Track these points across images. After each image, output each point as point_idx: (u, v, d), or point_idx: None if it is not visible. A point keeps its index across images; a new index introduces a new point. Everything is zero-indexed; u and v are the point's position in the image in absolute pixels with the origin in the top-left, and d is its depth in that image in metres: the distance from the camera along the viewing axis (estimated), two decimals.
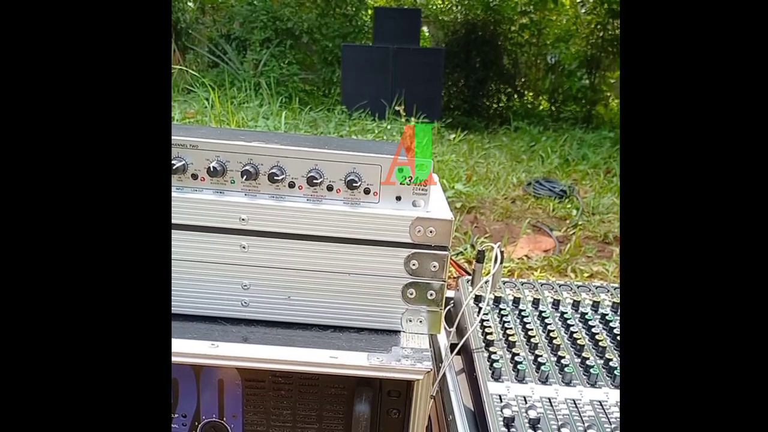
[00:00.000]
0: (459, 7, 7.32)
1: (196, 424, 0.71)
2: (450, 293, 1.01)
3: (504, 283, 1.01)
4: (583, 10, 7.21)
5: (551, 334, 0.85)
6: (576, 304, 0.95)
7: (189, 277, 0.71)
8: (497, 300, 0.95)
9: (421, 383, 0.65)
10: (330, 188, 0.71)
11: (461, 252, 2.02)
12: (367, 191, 0.71)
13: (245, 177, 0.69)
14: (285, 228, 0.70)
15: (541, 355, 0.79)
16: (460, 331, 0.88)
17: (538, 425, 0.67)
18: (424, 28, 7.30)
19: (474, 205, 2.65)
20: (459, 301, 0.97)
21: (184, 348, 0.64)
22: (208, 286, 0.71)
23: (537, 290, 1.00)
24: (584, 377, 0.76)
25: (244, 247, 0.70)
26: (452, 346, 0.86)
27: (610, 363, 0.78)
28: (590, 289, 1.01)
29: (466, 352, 0.85)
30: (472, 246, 2.08)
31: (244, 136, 0.76)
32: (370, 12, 6.98)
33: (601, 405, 0.71)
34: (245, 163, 0.70)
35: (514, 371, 0.77)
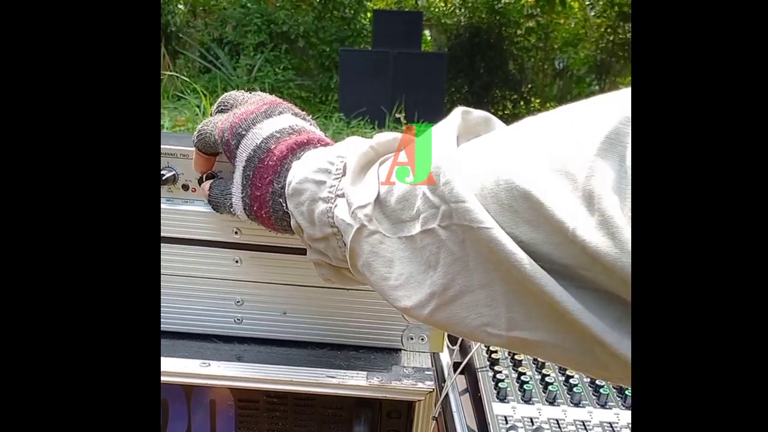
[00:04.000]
0: (462, 10, 7.36)
1: None
2: None
3: None
4: (592, 13, 7.25)
5: None
6: None
7: (179, 292, 0.71)
8: None
9: (423, 404, 0.65)
10: None
11: None
12: None
13: None
14: (280, 241, 0.70)
15: (549, 374, 0.79)
16: (464, 350, 0.88)
17: None
18: (426, 32, 7.33)
19: None
20: None
21: (174, 367, 0.64)
22: (199, 302, 0.72)
23: None
24: (594, 397, 0.76)
25: (237, 262, 0.70)
26: (455, 365, 0.86)
27: None
28: None
29: (469, 371, 0.85)
30: None
31: None
32: (369, 15, 7.01)
33: (611, 426, 0.71)
34: None
35: (520, 391, 0.77)
